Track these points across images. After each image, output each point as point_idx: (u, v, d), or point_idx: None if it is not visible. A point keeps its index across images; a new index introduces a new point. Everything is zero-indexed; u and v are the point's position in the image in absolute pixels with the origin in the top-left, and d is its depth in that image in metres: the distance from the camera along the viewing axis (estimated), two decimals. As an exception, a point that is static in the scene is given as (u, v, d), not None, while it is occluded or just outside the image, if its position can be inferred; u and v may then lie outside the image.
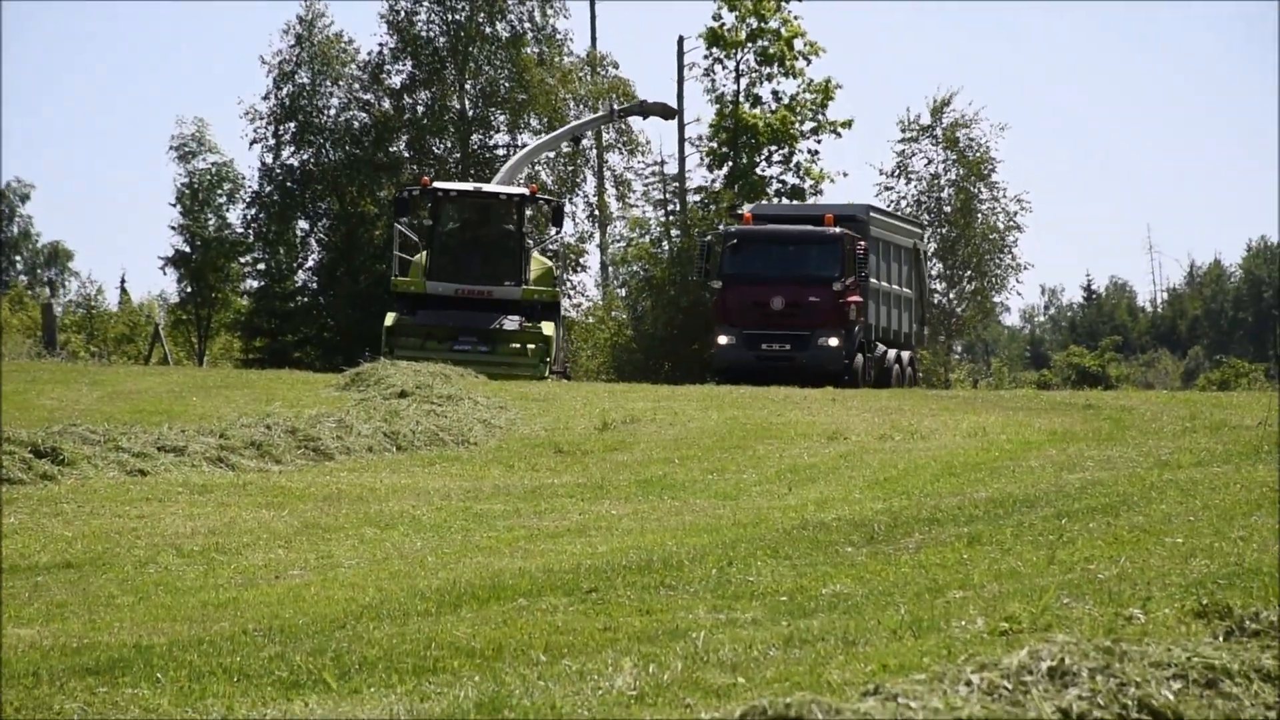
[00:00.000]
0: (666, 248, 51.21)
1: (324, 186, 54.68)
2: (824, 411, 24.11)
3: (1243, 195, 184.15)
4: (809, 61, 53.93)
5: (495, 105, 55.16)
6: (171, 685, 8.26)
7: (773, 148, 53.79)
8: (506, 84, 54.86)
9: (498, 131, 55.48)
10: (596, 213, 56.53)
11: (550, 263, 36.99)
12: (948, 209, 55.02)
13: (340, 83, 55.36)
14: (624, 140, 56.37)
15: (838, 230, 35.06)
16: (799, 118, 53.76)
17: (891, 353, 37.63)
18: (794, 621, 8.97)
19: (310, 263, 56.04)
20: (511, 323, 34.33)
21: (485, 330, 34.12)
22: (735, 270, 35.20)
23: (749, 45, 53.81)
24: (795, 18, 53.84)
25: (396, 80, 55.31)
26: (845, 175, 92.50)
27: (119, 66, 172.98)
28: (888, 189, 55.06)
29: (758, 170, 53.75)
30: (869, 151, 78.15)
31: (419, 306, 34.65)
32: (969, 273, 54.97)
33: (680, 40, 54.86)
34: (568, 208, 52.20)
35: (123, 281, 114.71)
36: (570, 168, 55.79)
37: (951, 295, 55.20)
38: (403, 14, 54.94)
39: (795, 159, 53.96)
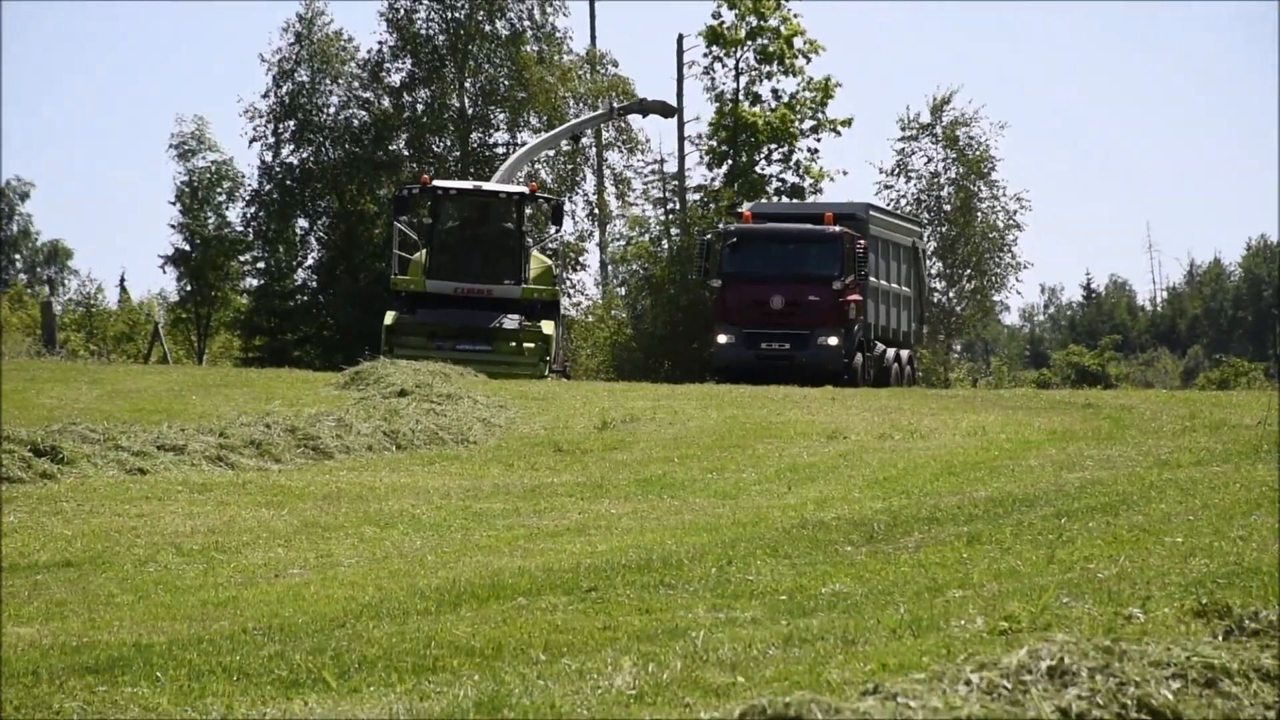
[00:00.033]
0: (666, 246, 51.21)
1: (323, 185, 54.67)
2: (823, 411, 24.12)
3: (1242, 194, 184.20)
4: (809, 60, 53.96)
5: (495, 103, 55.16)
6: (171, 684, 8.27)
7: (772, 146, 53.79)
8: (506, 82, 54.86)
9: (497, 130, 55.50)
10: (596, 211, 56.54)
11: (550, 261, 37.00)
12: (947, 207, 55.02)
13: (340, 81, 55.36)
14: (623, 139, 56.39)
15: (837, 229, 35.05)
16: (799, 116, 53.76)
17: (891, 352, 37.63)
18: (793, 620, 8.98)
19: (310, 261, 56.07)
20: (511, 321, 34.33)
21: (485, 329, 34.12)
22: (735, 269, 35.19)
23: (749, 43, 53.80)
24: (795, 16, 53.86)
25: (396, 78, 55.35)
26: (845, 174, 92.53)
27: (119, 65, 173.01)
28: (887, 187, 55.11)
29: (757, 169, 53.75)
30: (869, 150, 78.30)
31: (419, 305, 34.64)
32: (969, 271, 54.97)
33: (680, 38, 54.89)
34: (567, 206, 52.20)
35: (122, 280, 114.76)
36: (570, 166, 55.80)
37: (951, 294, 55.20)
38: (402, 12, 54.95)
39: (795, 157, 53.99)
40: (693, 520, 14.22)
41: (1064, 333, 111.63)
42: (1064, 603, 8.72)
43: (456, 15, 54.82)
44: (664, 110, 46.18)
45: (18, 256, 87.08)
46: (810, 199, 52.59)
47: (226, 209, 56.95)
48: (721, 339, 35.20)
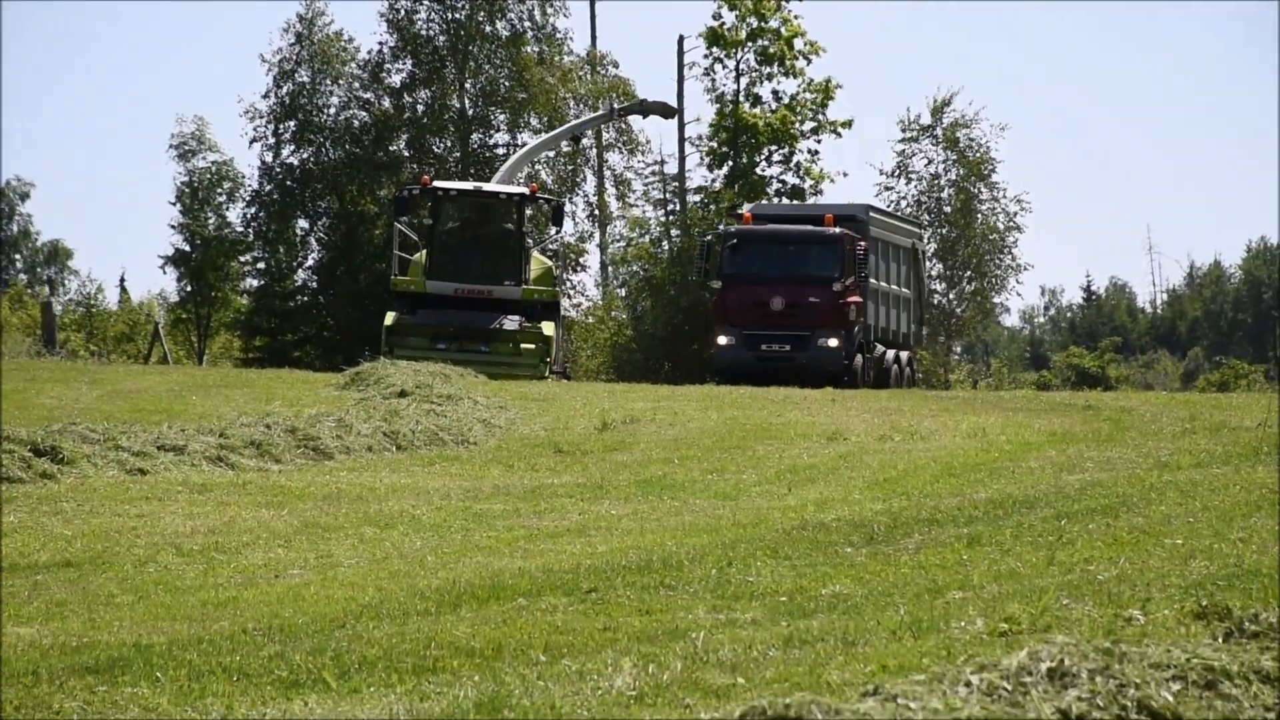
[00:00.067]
0: (666, 247, 51.22)
1: (324, 185, 54.68)
2: (824, 412, 24.12)
3: (1243, 196, 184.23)
4: (809, 61, 53.97)
5: (495, 104, 55.17)
6: (171, 684, 8.27)
7: (773, 147, 53.80)
8: (506, 83, 54.87)
9: (498, 130, 55.51)
10: (596, 212, 56.55)
11: (550, 262, 37.00)
12: (948, 209, 55.03)
13: (340, 81, 55.37)
14: (624, 140, 56.40)
15: (838, 230, 35.05)
16: (799, 117, 53.77)
17: (890, 353, 37.63)
18: (793, 622, 8.98)
19: (310, 262, 56.09)
20: (511, 322, 34.33)
21: (485, 330, 34.12)
22: (735, 270, 35.19)
23: (749, 45, 53.81)
24: (795, 17, 53.88)
25: (396, 79, 55.37)
26: (845, 175, 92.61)
27: (119, 65, 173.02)
28: (888, 189, 55.11)
29: (758, 170, 53.76)
30: (869, 151, 78.10)
31: (419, 306, 34.65)
32: (969, 273, 54.97)
33: (680, 39, 54.91)
34: (568, 207, 52.21)
35: (122, 280, 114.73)
36: (570, 167, 55.80)
37: (951, 296, 55.20)
38: (403, 13, 54.96)
39: (795, 159, 54.00)
40: (693, 521, 14.22)
41: (1064, 335, 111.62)
42: (1064, 604, 8.72)
43: (457, 16, 54.83)
44: (664, 111, 46.19)
45: (18, 256, 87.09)
46: (811, 200, 52.60)
47: (227, 209, 57.01)
48: (722, 340, 35.20)
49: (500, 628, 9.32)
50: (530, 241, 37.34)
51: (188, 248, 56.27)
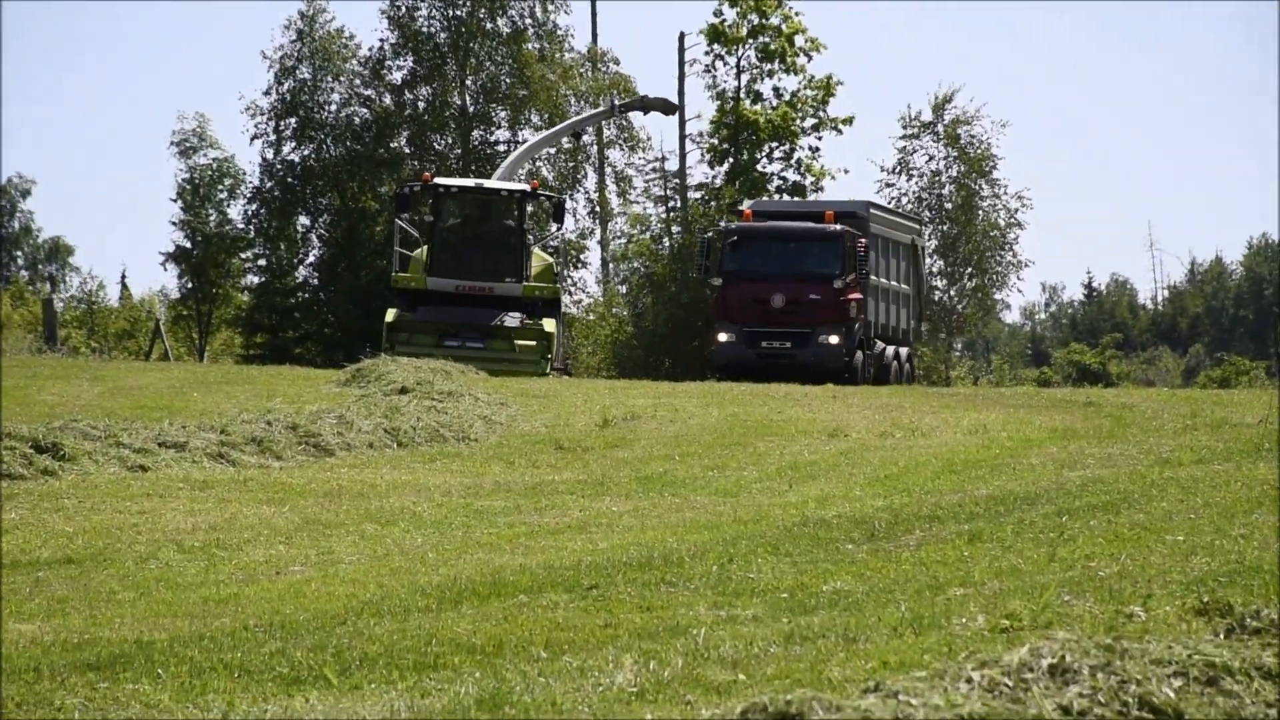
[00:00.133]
0: (667, 244, 51.23)
1: (325, 182, 54.68)
2: (824, 408, 24.12)
3: (1244, 193, 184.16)
4: (810, 58, 53.97)
5: (496, 101, 55.16)
6: (172, 681, 8.27)
7: (774, 144, 53.80)
8: (507, 80, 54.86)
9: (499, 127, 55.51)
10: (597, 209, 56.55)
11: (551, 259, 36.98)
12: (949, 206, 55.02)
13: (341, 78, 55.37)
14: (625, 136, 56.38)
15: (838, 227, 35.04)
16: (800, 114, 53.77)
17: (890, 349, 37.62)
18: (795, 618, 8.98)
19: (311, 259, 56.10)
20: (512, 319, 34.33)
21: (486, 326, 34.13)
22: (736, 267, 35.19)
23: (750, 41, 53.80)
24: (796, 14, 53.87)
25: (397, 76, 55.37)
26: (846, 172, 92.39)
27: (120, 62, 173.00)
28: (889, 185, 55.12)
29: (759, 167, 53.76)
30: (870, 148, 77.96)
31: (420, 303, 34.65)
32: (970, 270, 54.97)
33: (681, 36, 54.90)
34: (568, 204, 52.19)
35: (123, 277, 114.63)
36: (571, 164, 55.80)
37: (952, 292, 55.20)
38: (404, 9, 54.96)
39: (796, 156, 54.00)
40: (694, 518, 14.22)
41: (1065, 331, 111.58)
42: (1065, 601, 8.72)
43: (458, 13, 54.82)
44: (665, 108, 46.18)
45: (19, 253, 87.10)
46: (811, 197, 52.60)
47: (228, 206, 57.03)
48: (722, 337, 35.19)
49: (501, 624, 9.32)
50: (531, 238, 37.33)
51: (189, 244, 56.29)
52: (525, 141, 49.99)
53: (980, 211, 54.96)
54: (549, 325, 34.25)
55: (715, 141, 54.07)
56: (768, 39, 53.61)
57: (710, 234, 37.16)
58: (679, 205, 54.00)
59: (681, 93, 54.52)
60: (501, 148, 54.05)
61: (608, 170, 56.83)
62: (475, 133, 54.93)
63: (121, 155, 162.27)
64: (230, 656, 8.71)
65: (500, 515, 14.72)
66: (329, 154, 54.60)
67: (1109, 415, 22.48)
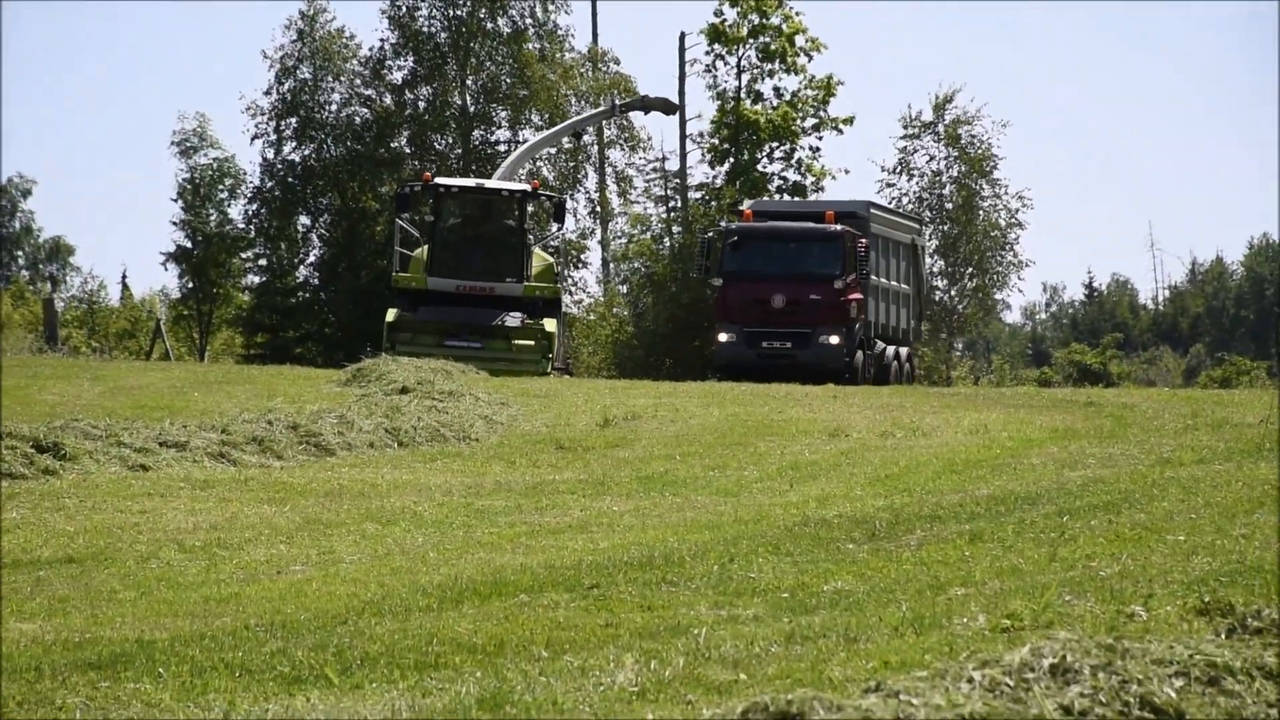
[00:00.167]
0: (668, 244, 51.23)
1: (325, 182, 54.68)
2: (825, 408, 24.12)
3: (1244, 193, 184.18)
4: (810, 58, 53.98)
5: (496, 101, 55.17)
6: (173, 680, 8.27)
7: (774, 144, 53.80)
8: (508, 80, 54.86)
9: (499, 127, 55.51)
10: (598, 209, 56.56)
11: (552, 259, 36.98)
12: (949, 206, 55.02)
13: (342, 78, 55.37)
14: (625, 136, 56.38)
15: (839, 227, 35.03)
16: (800, 114, 53.77)
17: (891, 349, 37.61)
18: (795, 618, 8.98)
19: (311, 258, 56.10)
20: (513, 319, 34.34)
21: (487, 326, 34.13)
22: (736, 267, 35.18)
23: (750, 41, 53.81)
24: (797, 14, 53.89)
25: (398, 76, 55.37)
26: (847, 172, 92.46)
27: (120, 62, 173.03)
28: (890, 185, 55.13)
29: (759, 167, 53.76)
30: (871, 148, 77.97)
31: (420, 303, 34.65)
32: (970, 270, 54.98)
33: (682, 36, 54.91)
34: (569, 204, 52.19)
35: (124, 277, 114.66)
36: (572, 164, 55.80)
37: (953, 292, 55.20)
38: (404, 9, 54.96)
39: (797, 156, 54.01)
40: (695, 518, 14.22)
41: (1066, 331, 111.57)
42: (1066, 601, 8.72)
43: (458, 13, 54.82)
44: (666, 107, 46.18)
45: (20, 253, 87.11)
46: (812, 197, 52.60)
47: (228, 206, 57.04)
48: (723, 337, 35.18)
49: (502, 624, 9.32)
50: (532, 238, 37.33)
51: (189, 244, 56.30)
52: (526, 141, 49.99)
53: (981, 211, 54.96)
54: (550, 325, 34.26)
55: (716, 141, 54.08)
56: (768, 39, 53.62)
57: (711, 234, 37.15)
58: (679, 205, 54.00)
59: (682, 93, 54.58)
60: (502, 148, 54.06)
61: (608, 170, 56.86)
62: (476, 133, 54.93)
63: (122, 155, 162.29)
64: (231, 656, 8.71)
65: (501, 515, 14.72)
66: (329, 154, 54.60)
67: (1110, 415, 22.48)
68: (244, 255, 56.91)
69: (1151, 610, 8.16)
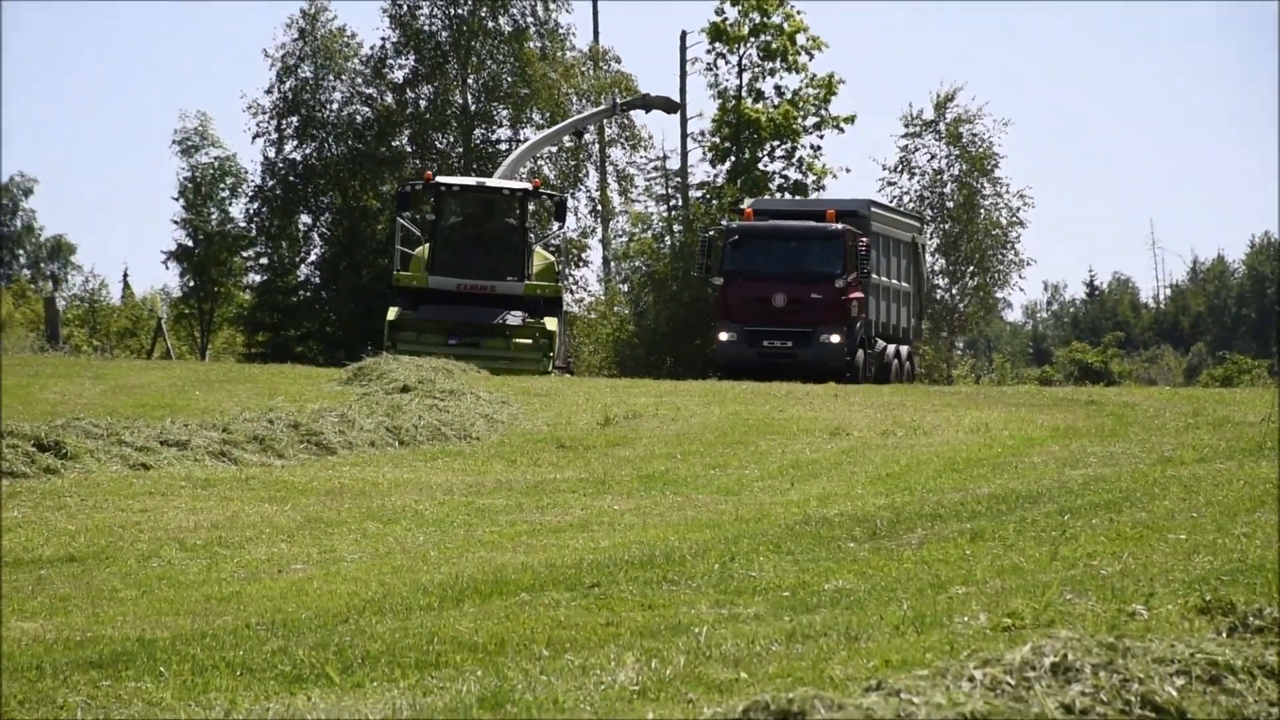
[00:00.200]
0: (668, 243, 51.23)
1: (326, 181, 54.70)
2: (826, 407, 24.12)
3: (1246, 192, 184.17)
4: (811, 57, 53.98)
5: (498, 100, 55.16)
6: (174, 679, 8.27)
7: (775, 143, 53.80)
8: (509, 78, 54.86)
9: (500, 126, 55.52)
10: (599, 207, 56.56)
11: (553, 257, 36.99)
12: (950, 204, 55.01)
13: (343, 77, 55.38)
14: (626, 135, 56.39)
15: (840, 226, 35.02)
16: (801, 113, 53.77)
17: (891, 348, 37.61)
18: (796, 617, 8.98)
19: (313, 257, 56.12)
20: (514, 318, 34.34)
21: (488, 325, 34.14)
22: (737, 266, 35.17)
23: (752, 40, 53.81)
24: (798, 13, 53.89)
25: (399, 75, 55.38)
26: (848, 171, 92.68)
27: (122, 61, 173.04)
28: (891, 184, 55.13)
29: (760, 165, 53.75)
30: (872, 147, 78.01)
31: (422, 301, 34.65)
32: (971, 268, 54.98)
33: (683, 35, 54.90)
34: (570, 202, 52.19)
35: (125, 276, 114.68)
36: (572, 162, 55.81)
37: (954, 291, 55.20)
38: (405, 8, 54.96)
39: (798, 154, 54.00)
40: (695, 516, 14.22)
41: (1067, 329, 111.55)
42: (1067, 599, 8.72)
43: (459, 11, 54.83)
44: (667, 106, 46.17)
45: (21, 252, 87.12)
46: (813, 196, 52.60)
47: (229, 205, 57.05)
48: (723, 336, 35.18)
49: (503, 623, 9.32)
50: (533, 237, 37.34)
51: (190, 243, 56.31)
52: (527, 140, 49.99)
53: (982, 210, 54.96)
54: (551, 324, 34.26)
55: (717, 140, 54.07)
56: (769, 37, 53.62)
57: (711, 233, 37.14)
58: (680, 204, 53.99)
59: (683, 91, 54.56)
60: (503, 146, 54.07)
61: (609, 169, 56.86)
62: (477, 131, 54.93)
63: (123, 154, 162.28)
64: (232, 654, 8.72)
65: (502, 513, 14.72)
66: (331, 152, 54.61)
67: (1111, 414, 22.48)
68: (245, 254, 56.93)
69: (1153, 609, 8.16)
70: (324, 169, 54.50)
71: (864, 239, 35.32)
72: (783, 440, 20.13)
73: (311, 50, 55.14)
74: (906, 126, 55.39)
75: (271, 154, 54.94)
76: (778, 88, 54.09)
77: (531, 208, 37.45)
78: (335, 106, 55.26)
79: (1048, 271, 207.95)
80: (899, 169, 55.19)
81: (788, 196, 52.23)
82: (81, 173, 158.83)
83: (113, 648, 9.16)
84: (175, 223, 56.59)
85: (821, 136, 54.03)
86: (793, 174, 53.89)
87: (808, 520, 13.14)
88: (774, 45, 53.56)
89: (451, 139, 55.06)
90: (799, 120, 53.64)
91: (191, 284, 57.00)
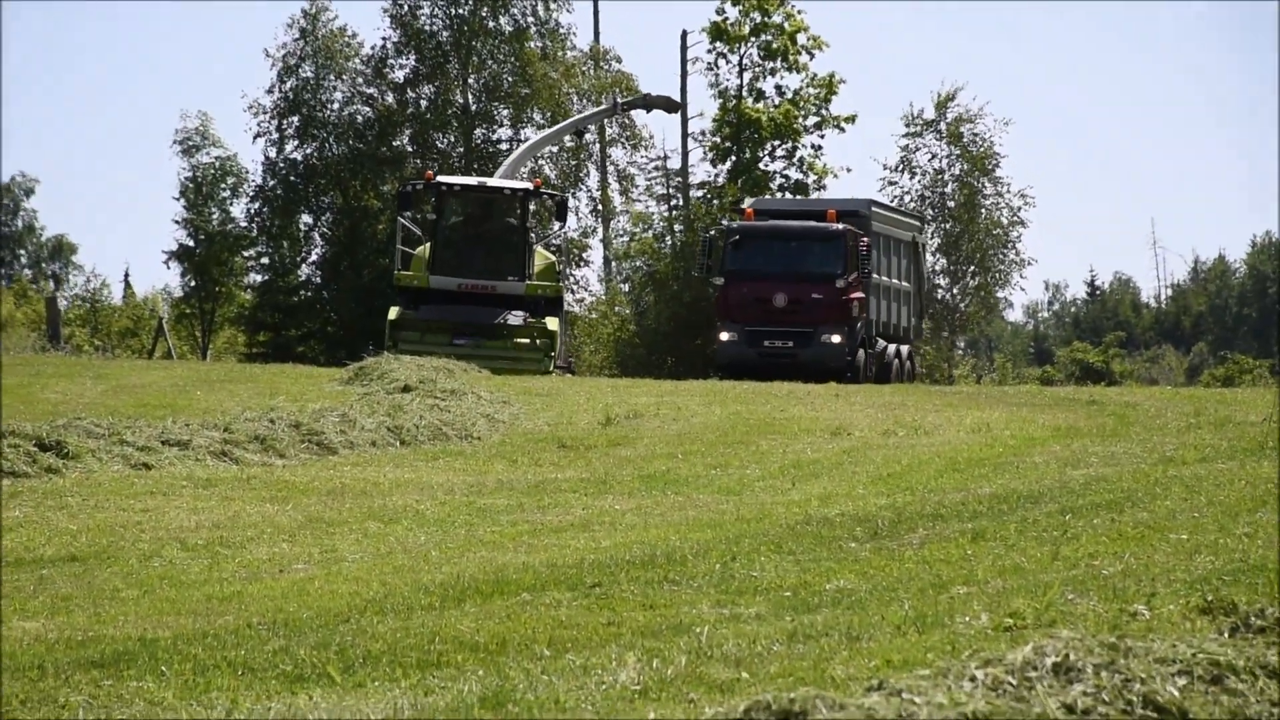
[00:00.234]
0: (669, 243, 51.23)
1: (327, 181, 54.71)
2: (827, 407, 24.12)
3: (1247, 191, 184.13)
4: (812, 56, 54.00)
5: (498, 99, 55.18)
6: (176, 678, 8.27)
7: (776, 142, 53.80)
8: (510, 78, 54.87)
9: (501, 126, 55.54)
10: (599, 207, 56.56)
11: (553, 257, 36.98)
12: (951, 204, 55.01)
13: (344, 77, 55.39)
14: (627, 135, 56.40)
15: (840, 226, 35.01)
16: (802, 112, 53.78)
17: (892, 348, 37.60)
18: (798, 617, 8.98)
19: (314, 257, 56.15)
20: (515, 318, 34.35)
21: (489, 325, 34.14)
22: (737, 266, 35.16)
23: (752, 40, 53.82)
24: (799, 12, 53.91)
25: (400, 74, 55.40)
26: (849, 170, 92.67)
27: (122, 61, 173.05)
28: (892, 184, 55.13)
29: (761, 165, 53.76)
30: (873, 147, 78.20)
31: (422, 301, 34.65)
32: (972, 268, 54.97)
33: (684, 34, 54.90)
34: (571, 202, 52.20)
35: (127, 275, 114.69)
36: (573, 162, 55.81)
37: (955, 290, 55.20)
38: (406, 8, 54.97)
39: (798, 154, 54.00)
40: (697, 516, 14.22)
41: (1068, 329, 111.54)
42: (1069, 599, 8.72)
43: (460, 11, 54.84)
44: (668, 106, 46.17)
45: (22, 252, 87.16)
46: (814, 195, 52.60)
47: (230, 205, 57.07)
48: (724, 336, 35.17)
49: (504, 622, 9.33)
50: (534, 236, 37.34)
51: (192, 243, 56.34)
52: (528, 140, 49.99)
53: (983, 210, 54.96)
54: (552, 324, 34.27)
55: (717, 140, 54.08)
56: (770, 37, 53.62)
57: (712, 232, 37.13)
58: (681, 204, 54.00)
59: (684, 91, 54.56)
60: (504, 146, 54.07)
61: (610, 168, 56.88)
62: (477, 131, 54.94)
63: (124, 154, 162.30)
64: (234, 654, 8.72)
65: (503, 513, 14.72)
66: (331, 152, 54.63)
67: (1112, 414, 22.47)
68: (246, 254, 56.96)
69: (1154, 609, 8.16)
70: (325, 169, 54.51)
71: (865, 239, 35.31)
72: (784, 440, 20.13)
73: (312, 50, 55.15)
74: (907, 126, 55.43)
75: (272, 154, 55.03)
76: (778, 87, 54.13)
77: (532, 207, 37.45)
78: (336, 106, 55.30)
79: (1049, 271, 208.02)
80: (900, 169, 55.22)
81: (788, 196, 52.23)
82: (83, 173, 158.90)
83: (114, 647, 9.16)
84: (176, 222, 56.70)
85: (822, 136, 54.12)
86: (793, 174, 53.93)
87: (809, 520, 13.14)
88: (775, 45, 53.57)
89: (452, 139, 55.07)
90: (800, 120, 53.65)
91: (193, 284, 57.02)
